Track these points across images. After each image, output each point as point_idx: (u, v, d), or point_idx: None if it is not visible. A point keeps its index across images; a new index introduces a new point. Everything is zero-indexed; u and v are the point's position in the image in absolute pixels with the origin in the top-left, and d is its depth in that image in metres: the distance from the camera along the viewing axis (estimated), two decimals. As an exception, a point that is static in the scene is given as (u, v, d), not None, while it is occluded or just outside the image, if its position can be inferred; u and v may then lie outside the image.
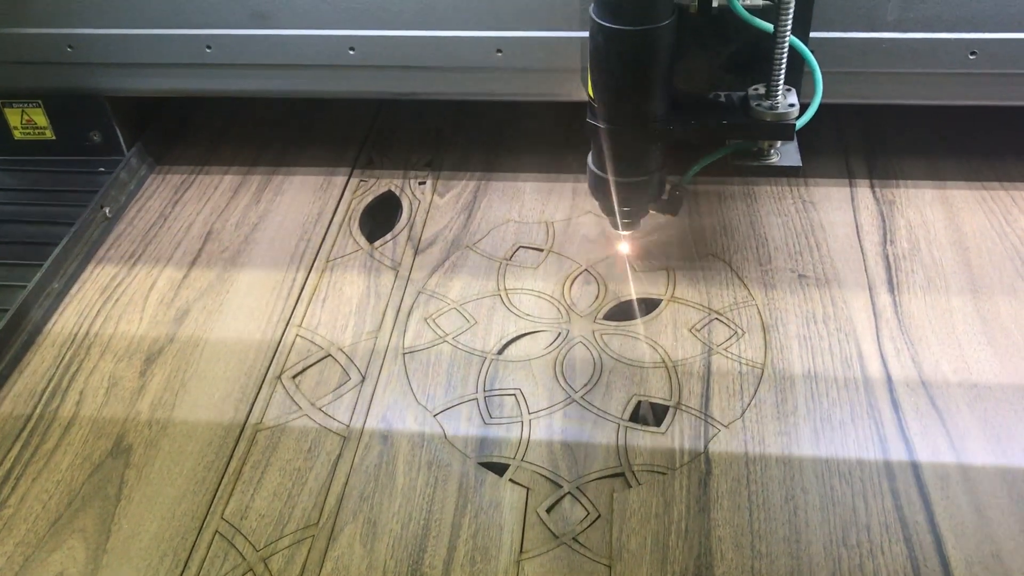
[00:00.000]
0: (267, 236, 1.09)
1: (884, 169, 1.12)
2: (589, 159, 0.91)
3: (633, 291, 0.99)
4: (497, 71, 1.05)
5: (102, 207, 1.11)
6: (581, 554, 0.75)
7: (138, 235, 1.10)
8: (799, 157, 0.89)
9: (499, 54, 1.03)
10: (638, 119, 0.84)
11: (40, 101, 1.17)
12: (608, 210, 0.95)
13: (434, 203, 1.13)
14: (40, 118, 1.17)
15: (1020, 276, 0.97)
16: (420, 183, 1.16)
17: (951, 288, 0.96)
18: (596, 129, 0.86)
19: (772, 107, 0.83)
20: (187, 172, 1.21)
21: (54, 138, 1.19)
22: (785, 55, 0.81)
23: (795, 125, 0.84)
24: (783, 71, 0.82)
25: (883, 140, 1.17)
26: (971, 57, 0.97)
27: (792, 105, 0.84)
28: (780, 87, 0.84)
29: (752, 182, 1.12)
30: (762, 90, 0.85)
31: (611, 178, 0.89)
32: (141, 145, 1.22)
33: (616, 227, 0.96)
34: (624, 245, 1.04)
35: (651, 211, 0.97)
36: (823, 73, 0.83)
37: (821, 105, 0.98)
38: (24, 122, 1.18)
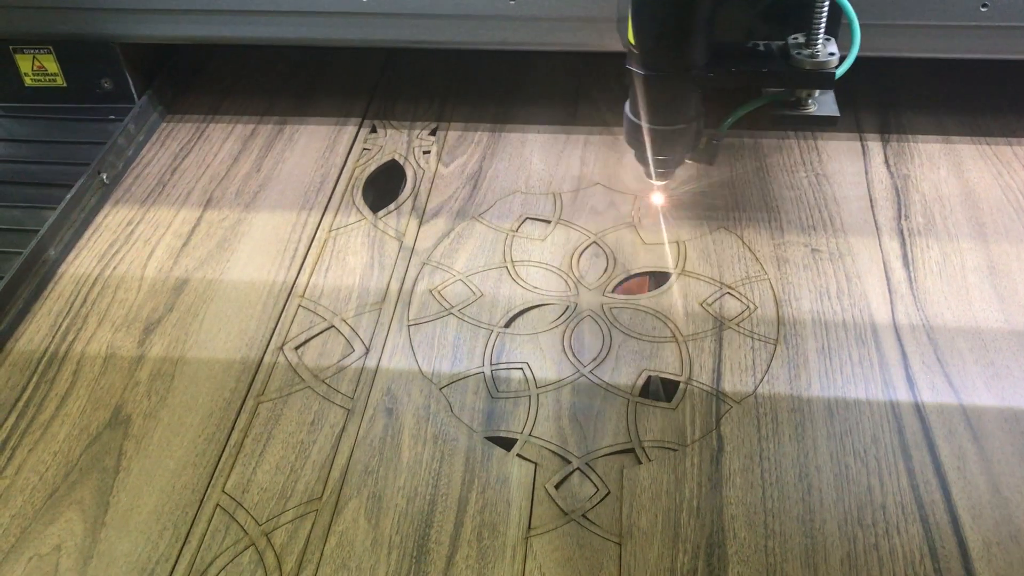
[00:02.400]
0: (268, 204, 1.07)
1: (897, 127, 1.12)
2: (626, 107, 0.90)
3: (643, 264, 0.97)
4: (510, 19, 1.03)
5: (99, 173, 1.09)
6: (591, 531, 0.73)
7: (136, 202, 1.08)
8: (836, 107, 0.88)
9: (512, 2, 1.02)
10: (678, 66, 0.84)
11: (51, 47, 1.14)
12: (643, 159, 0.93)
13: (439, 173, 1.10)
14: (51, 64, 1.15)
15: (1037, 253, 0.95)
16: (424, 152, 1.13)
17: (967, 265, 0.94)
18: (635, 75, 0.85)
19: (812, 56, 0.83)
20: (198, 121, 1.20)
21: (65, 85, 1.17)
22: (827, 3, 0.81)
23: (835, 73, 0.83)
24: (824, 20, 0.82)
25: (895, 97, 1.16)
26: (983, 9, 0.96)
27: (832, 54, 0.83)
28: (821, 36, 0.83)
29: (763, 155, 1.10)
30: (802, 39, 0.85)
31: (648, 126, 0.88)
32: (152, 93, 1.20)
33: (650, 176, 0.95)
34: (658, 195, 1.03)
35: (687, 160, 0.96)
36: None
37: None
38: (35, 68, 1.16)
